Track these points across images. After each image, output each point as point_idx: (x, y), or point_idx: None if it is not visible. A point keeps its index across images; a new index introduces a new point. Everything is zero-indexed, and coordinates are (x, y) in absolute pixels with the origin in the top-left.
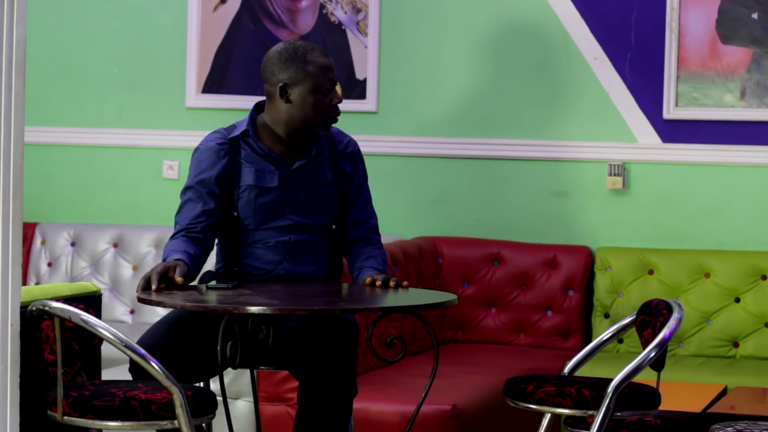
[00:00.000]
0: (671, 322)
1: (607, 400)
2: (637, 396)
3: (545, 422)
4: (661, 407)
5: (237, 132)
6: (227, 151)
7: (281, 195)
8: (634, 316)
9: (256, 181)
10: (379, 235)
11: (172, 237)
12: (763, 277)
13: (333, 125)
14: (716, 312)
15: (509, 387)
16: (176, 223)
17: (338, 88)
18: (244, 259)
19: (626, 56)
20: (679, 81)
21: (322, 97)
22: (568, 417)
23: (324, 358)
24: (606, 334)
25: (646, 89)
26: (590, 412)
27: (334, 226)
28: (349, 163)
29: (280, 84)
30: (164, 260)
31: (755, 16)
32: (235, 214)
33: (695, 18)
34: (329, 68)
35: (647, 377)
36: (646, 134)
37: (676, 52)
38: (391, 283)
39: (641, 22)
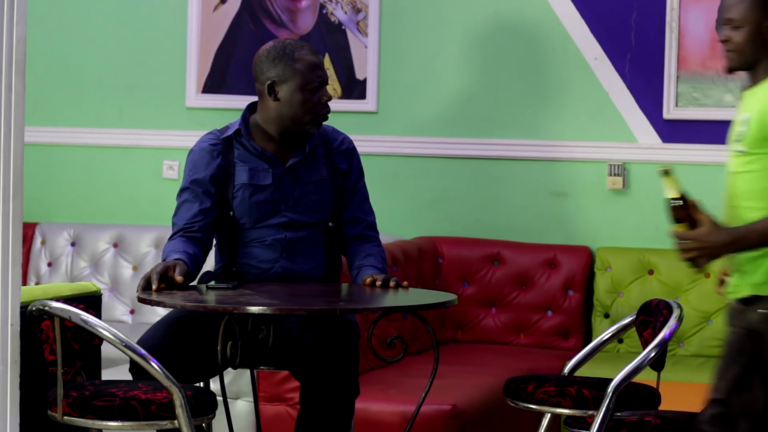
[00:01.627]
0: (671, 322)
1: (607, 400)
2: (637, 396)
3: (545, 422)
4: (661, 407)
5: (229, 132)
6: (220, 151)
7: (275, 193)
8: (634, 316)
9: (250, 180)
10: (377, 232)
11: (171, 238)
12: None
13: (326, 123)
14: (716, 312)
15: (509, 387)
16: (174, 224)
17: (337, 88)
18: (241, 259)
19: (626, 56)
20: (679, 81)
21: (310, 94)
22: (568, 417)
23: (326, 359)
24: (606, 334)
25: (646, 89)
26: (590, 412)
27: (330, 223)
28: (344, 160)
29: (269, 82)
30: (164, 260)
31: None
32: (231, 213)
33: (695, 18)
34: (317, 66)
35: (647, 377)
36: (646, 134)
37: (676, 52)
38: (391, 284)
39: (641, 22)
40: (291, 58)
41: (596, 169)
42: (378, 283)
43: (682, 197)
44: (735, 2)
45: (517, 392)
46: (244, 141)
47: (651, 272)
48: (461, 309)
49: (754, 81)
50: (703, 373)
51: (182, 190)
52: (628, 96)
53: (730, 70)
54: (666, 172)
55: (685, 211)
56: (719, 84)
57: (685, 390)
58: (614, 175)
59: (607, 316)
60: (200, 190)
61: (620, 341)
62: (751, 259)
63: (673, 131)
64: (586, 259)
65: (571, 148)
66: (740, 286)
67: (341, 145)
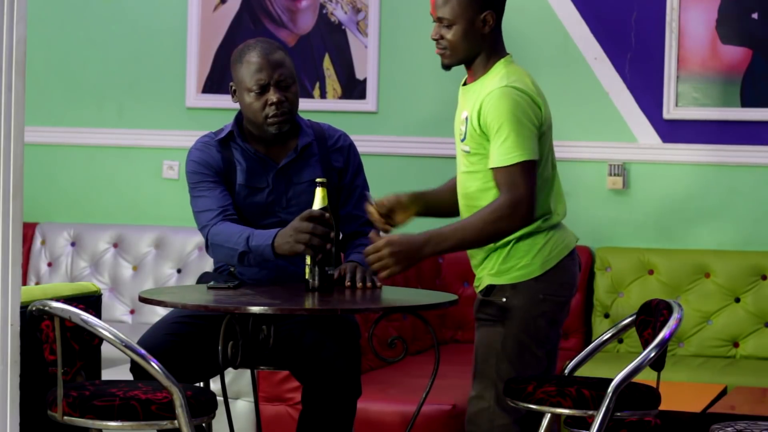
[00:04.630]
0: (671, 322)
1: (607, 400)
2: (637, 396)
3: (545, 422)
4: (661, 407)
5: (223, 134)
6: (219, 150)
7: (270, 195)
8: (634, 316)
9: (247, 182)
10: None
11: (210, 222)
12: (763, 277)
13: (323, 121)
14: (716, 312)
15: (509, 387)
16: (203, 212)
17: (337, 88)
18: None
19: (626, 56)
20: (679, 81)
21: (256, 97)
22: (568, 417)
23: (327, 359)
24: (606, 334)
25: (646, 89)
26: (590, 412)
27: None
28: (340, 158)
29: (231, 85)
30: (210, 247)
31: (755, 16)
32: None
33: (695, 18)
34: (261, 68)
35: (647, 377)
36: (646, 134)
37: (676, 52)
38: (359, 284)
39: (641, 22)
40: (239, 62)
41: (596, 169)
42: (347, 283)
43: (326, 210)
44: (445, 0)
45: (517, 392)
46: (239, 142)
47: (651, 272)
48: (461, 309)
49: (472, 77)
50: (703, 373)
51: (195, 185)
52: (628, 96)
53: (446, 66)
54: (322, 184)
55: (327, 223)
56: (719, 84)
57: (685, 390)
58: (614, 175)
59: (607, 316)
60: (214, 179)
61: (620, 341)
62: (485, 254)
63: (673, 131)
64: (586, 259)
65: (571, 148)
66: (481, 279)
67: (337, 143)
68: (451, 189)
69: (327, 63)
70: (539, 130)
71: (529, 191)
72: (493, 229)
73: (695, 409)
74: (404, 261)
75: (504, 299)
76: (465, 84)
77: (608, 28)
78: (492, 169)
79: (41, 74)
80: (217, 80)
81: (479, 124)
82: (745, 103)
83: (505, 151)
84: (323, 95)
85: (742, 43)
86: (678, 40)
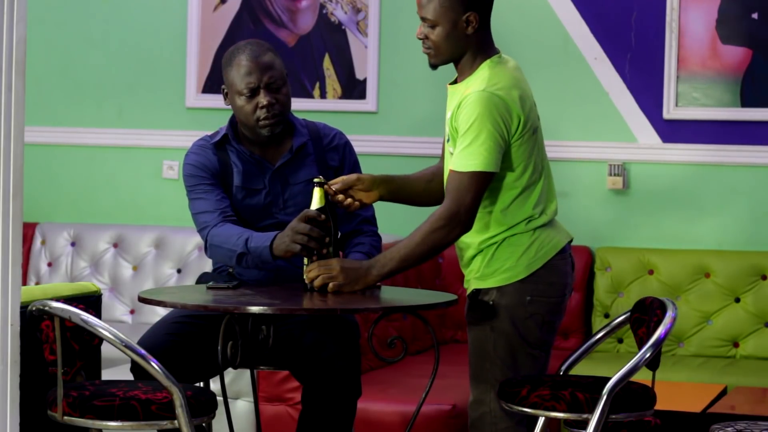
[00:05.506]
0: (666, 321)
1: (602, 403)
2: (631, 397)
3: (540, 424)
4: (662, 407)
5: (218, 137)
6: (214, 152)
7: (267, 197)
8: (628, 314)
9: (244, 184)
10: (374, 225)
11: (209, 223)
12: (763, 277)
13: (320, 121)
14: (716, 312)
15: (504, 390)
16: (201, 213)
17: (337, 88)
18: None
19: (626, 56)
20: (679, 81)
21: (246, 100)
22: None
23: (327, 360)
24: (600, 333)
25: (646, 89)
26: (585, 416)
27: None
28: (335, 156)
29: (222, 88)
30: (210, 248)
31: (755, 16)
32: None
33: (695, 18)
34: (250, 71)
35: (643, 377)
36: (646, 134)
37: (676, 52)
38: None
39: (641, 22)
40: (230, 65)
41: (596, 169)
42: None
43: (324, 210)
44: (428, 0)
45: (511, 396)
46: (235, 145)
47: (651, 272)
48: (461, 309)
49: (459, 76)
50: (703, 373)
51: (193, 188)
52: (628, 96)
53: (433, 66)
54: (320, 184)
55: (324, 224)
56: (719, 84)
57: (685, 390)
58: (614, 175)
59: (607, 316)
60: (211, 182)
61: (620, 341)
62: (471, 254)
63: (673, 131)
64: (586, 259)
65: (571, 148)
66: (469, 282)
67: (332, 141)
68: (425, 177)
69: (327, 63)
70: (509, 141)
71: (472, 202)
72: (431, 242)
73: (695, 409)
74: (352, 279)
75: (491, 302)
76: (454, 83)
77: (608, 28)
78: (449, 170)
79: (41, 74)
80: (217, 80)
81: (455, 126)
82: (745, 103)
83: (464, 157)
84: (323, 95)
85: (742, 43)
86: (678, 40)
